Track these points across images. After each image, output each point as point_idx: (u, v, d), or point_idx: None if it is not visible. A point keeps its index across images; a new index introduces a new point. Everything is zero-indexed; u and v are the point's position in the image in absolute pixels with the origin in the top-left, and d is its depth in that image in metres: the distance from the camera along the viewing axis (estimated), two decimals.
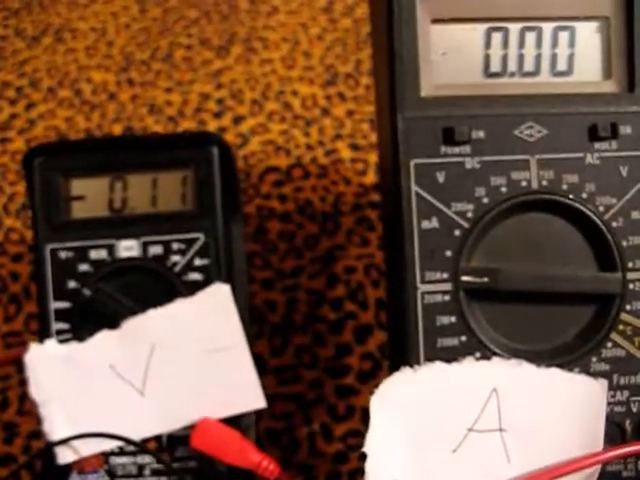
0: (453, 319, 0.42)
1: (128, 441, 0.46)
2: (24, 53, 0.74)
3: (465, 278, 0.42)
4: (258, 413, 0.48)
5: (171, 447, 0.47)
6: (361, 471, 0.51)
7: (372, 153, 0.66)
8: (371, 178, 0.64)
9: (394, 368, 0.42)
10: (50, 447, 0.47)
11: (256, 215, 0.61)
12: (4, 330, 0.58)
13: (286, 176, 0.65)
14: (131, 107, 0.70)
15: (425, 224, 0.42)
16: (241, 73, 0.71)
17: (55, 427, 0.47)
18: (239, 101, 0.69)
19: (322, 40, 0.73)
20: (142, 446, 0.46)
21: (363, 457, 0.52)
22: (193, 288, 0.47)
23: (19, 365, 0.55)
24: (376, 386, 0.53)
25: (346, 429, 0.53)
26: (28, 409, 0.54)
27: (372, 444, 0.41)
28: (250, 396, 0.46)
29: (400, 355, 0.42)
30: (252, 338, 0.52)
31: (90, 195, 0.48)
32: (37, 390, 0.47)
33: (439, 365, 0.41)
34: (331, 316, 0.57)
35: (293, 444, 0.52)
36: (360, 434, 0.52)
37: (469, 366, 0.42)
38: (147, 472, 0.47)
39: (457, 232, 0.42)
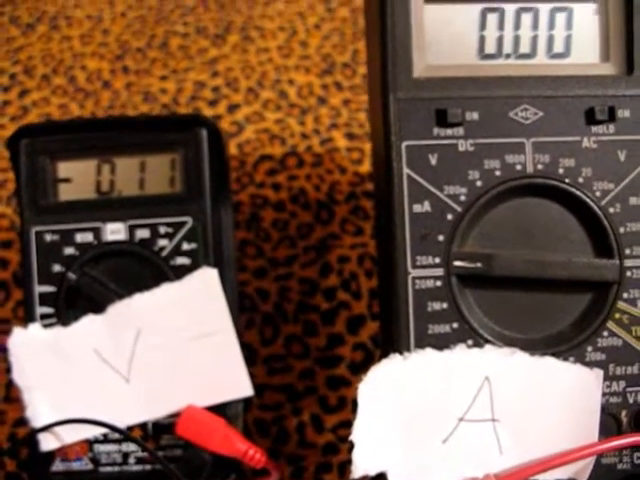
0: (445, 305, 0.41)
1: (113, 428, 0.45)
2: (19, 40, 0.73)
3: (457, 263, 0.41)
4: (247, 403, 0.47)
5: (156, 435, 0.46)
6: (351, 462, 0.50)
7: (368, 142, 0.65)
8: (367, 167, 0.63)
9: (385, 355, 0.41)
10: (33, 434, 0.46)
11: (250, 203, 0.60)
12: None
13: (280, 165, 0.64)
14: (125, 95, 0.69)
15: (417, 207, 0.41)
16: (237, 62, 0.70)
17: (39, 413, 0.46)
18: (234, 89, 0.68)
19: (319, 29, 0.72)
20: (126, 434, 0.45)
21: (353, 448, 0.51)
22: (180, 272, 0.46)
23: (6, 353, 0.55)
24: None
25: (337, 420, 0.52)
26: (15, 396, 0.53)
27: (360, 433, 0.40)
28: (237, 384, 0.45)
29: (390, 342, 0.41)
30: (242, 326, 0.51)
31: (77, 177, 0.47)
32: (20, 375, 0.46)
33: (429, 352, 0.40)
34: (324, 305, 0.56)
35: (282, 435, 0.51)
36: (351, 425, 0.51)
37: (461, 354, 0.41)
38: (132, 460, 0.46)
39: (450, 216, 0.41)
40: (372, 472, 0.40)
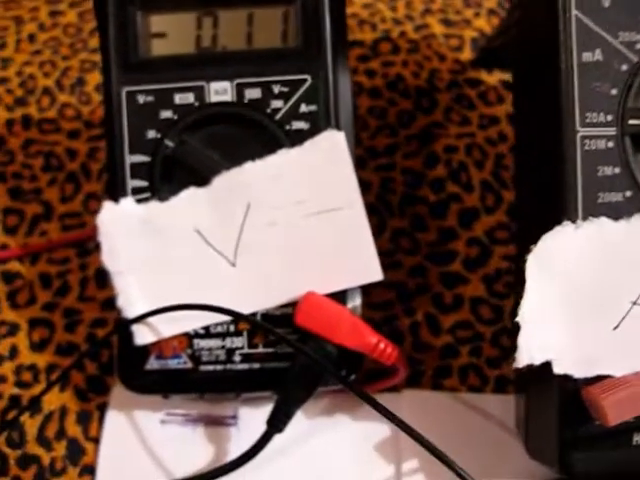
0: (617, 170, 0.35)
1: (234, 314, 0.38)
2: None
3: (633, 122, 0.35)
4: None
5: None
6: (473, 367, 0.44)
7: (467, 29, 0.58)
8: (467, 54, 0.57)
9: (541, 229, 0.35)
10: (126, 325, 0.40)
11: None
12: (61, 211, 0.51)
13: (372, 51, 0.57)
14: None
15: (586, 56, 0.35)
16: None
17: (132, 302, 0.40)
18: None
19: None
20: (252, 320, 0.39)
21: (475, 351, 0.45)
22: (297, 138, 0.40)
23: (79, 248, 0.49)
24: (486, 273, 0.47)
25: (454, 320, 0.46)
26: (91, 295, 0.48)
27: (527, 313, 0.34)
28: (365, 267, 0.39)
29: (552, 212, 0.35)
30: None
31: (173, 32, 0.41)
32: (111, 258, 0.40)
33: (605, 222, 0.34)
34: (432, 198, 0.50)
35: (395, 336, 0.45)
36: (470, 326, 0.45)
37: (638, 226, 0.34)
38: (237, 358, 0.41)
39: (624, 67, 0.35)
40: (537, 361, 0.34)
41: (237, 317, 0.39)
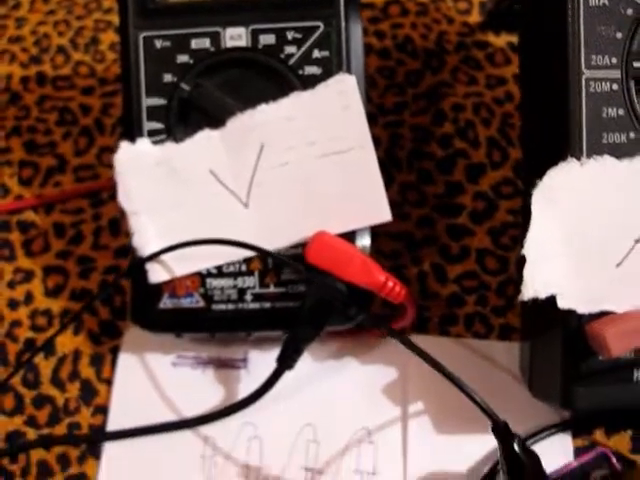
0: (621, 112, 0.36)
1: (248, 247, 0.39)
2: None
3: (638, 65, 0.36)
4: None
5: (277, 268, 0.41)
6: (479, 315, 0.45)
7: None
8: (475, 17, 0.58)
9: (547, 167, 0.36)
10: (140, 263, 0.41)
11: None
12: (75, 163, 0.52)
13: (382, 13, 0.58)
14: None
15: (593, 0, 0.35)
16: None
17: (146, 241, 0.41)
18: None
19: None
20: (265, 252, 0.40)
21: (481, 301, 0.46)
22: (309, 83, 0.41)
23: (92, 198, 0.50)
24: (492, 226, 0.48)
25: (461, 270, 0.47)
26: (104, 243, 0.49)
27: (532, 247, 0.35)
28: (374, 208, 0.40)
29: (558, 153, 0.36)
30: None
31: None
32: (127, 198, 0.41)
33: (609, 160, 0.35)
34: (439, 153, 0.51)
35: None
36: (476, 276, 0.46)
37: None
38: (248, 297, 0.42)
39: (630, 11, 0.36)
40: (542, 294, 0.35)
41: (251, 249, 0.40)
